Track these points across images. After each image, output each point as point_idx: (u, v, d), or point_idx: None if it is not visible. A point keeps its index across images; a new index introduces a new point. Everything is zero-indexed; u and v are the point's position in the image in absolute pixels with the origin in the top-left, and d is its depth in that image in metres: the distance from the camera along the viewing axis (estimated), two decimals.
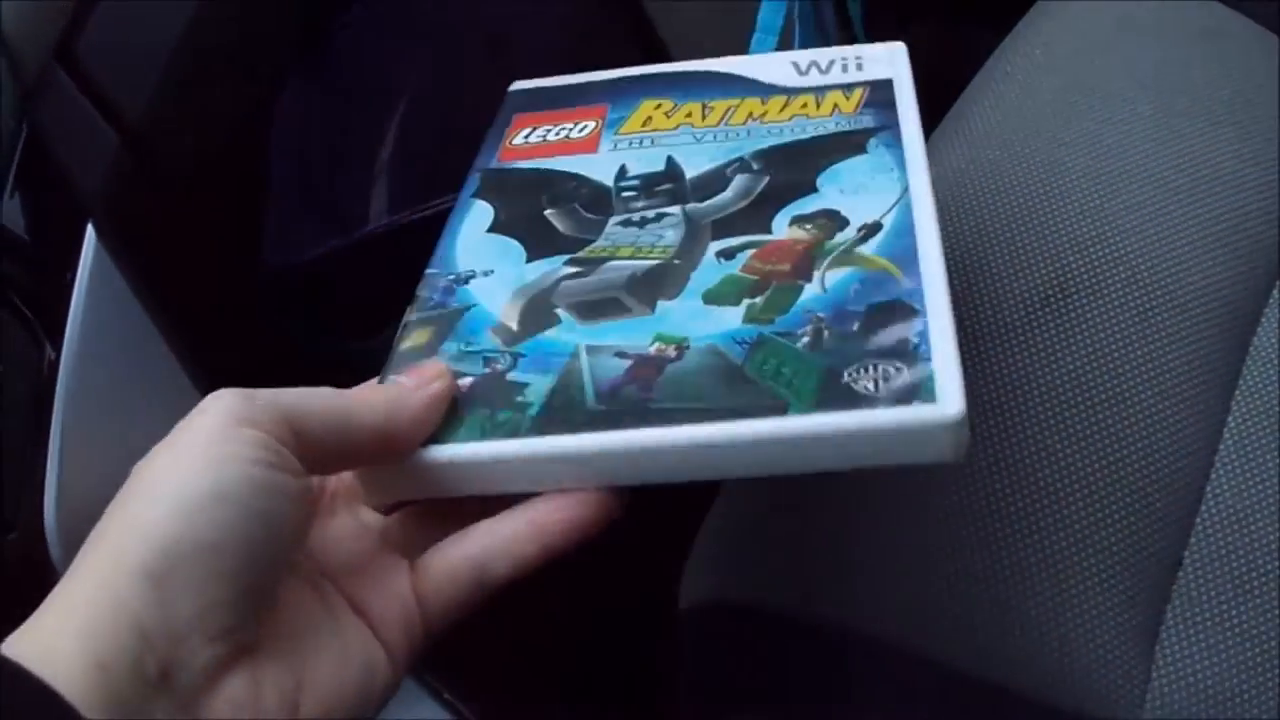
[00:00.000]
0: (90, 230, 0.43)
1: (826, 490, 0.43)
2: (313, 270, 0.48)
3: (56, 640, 0.25)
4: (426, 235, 0.38)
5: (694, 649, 0.45)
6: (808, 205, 0.37)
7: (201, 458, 0.27)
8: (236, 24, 0.46)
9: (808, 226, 0.36)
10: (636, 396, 0.31)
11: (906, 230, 0.34)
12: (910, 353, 0.30)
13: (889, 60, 0.43)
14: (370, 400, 0.31)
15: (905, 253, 0.34)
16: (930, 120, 0.54)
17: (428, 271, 0.37)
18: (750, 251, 0.35)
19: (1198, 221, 0.48)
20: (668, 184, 0.39)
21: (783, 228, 0.36)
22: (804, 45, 0.49)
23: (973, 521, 0.42)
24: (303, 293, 0.49)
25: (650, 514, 0.61)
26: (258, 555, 0.27)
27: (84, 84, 0.44)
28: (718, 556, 0.45)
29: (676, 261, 0.35)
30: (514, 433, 0.31)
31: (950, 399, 0.29)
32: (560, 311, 0.34)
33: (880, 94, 0.41)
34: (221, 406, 0.28)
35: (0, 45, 0.42)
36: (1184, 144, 0.50)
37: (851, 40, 0.59)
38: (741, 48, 0.62)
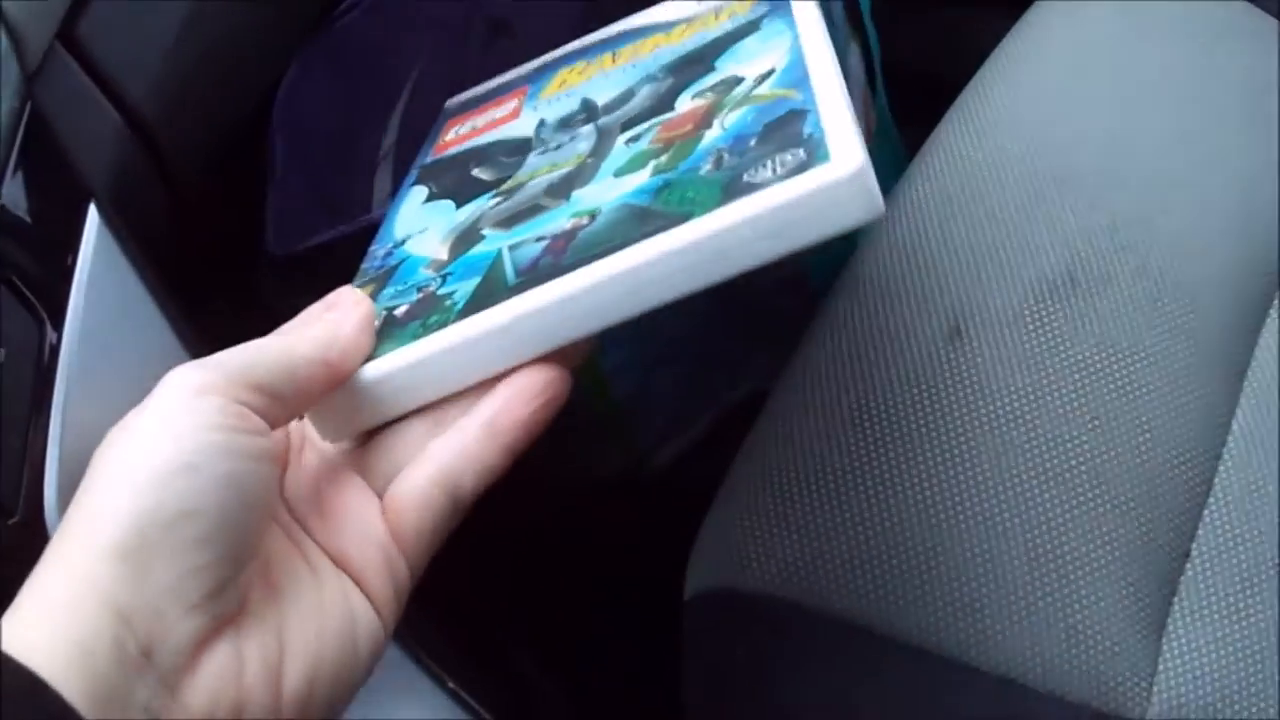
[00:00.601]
0: (93, 212, 0.43)
1: (833, 478, 0.43)
2: (315, 256, 0.48)
3: (36, 628, 0.25)
4: None
5: (698, 638, 0.44)
6: (707, 80, 0.37)
7: (163, 433, 0.27)
8: (243, 7, 0.46)
9: (707, 94, 0.36)
10: (552, 263, 0.31)
11: (799, 63, 0.34)
12: (804, 139, 0.30)
13: None
14: (306, 333, 0.31)
15: (799, 78, 0.33)
16: (939, 104, 0.54)
17: (369, 250, 0.38)
18: (656, 129, 0.35)
19: (1207, 213, 0.48)
20: (582, 115, 0.40)
21: (685, 103, 0.36)
22: None
23: (980, 510, 0.42)
24: (305, 278, 0.49)
25: (655, 504, 0.61)
26: (231, 521, 0.27)
27: (88, 65, 0.44)
28: (723, 546, 0.44)
29: (589, 159, 0.36)
30: (442, 328, 0.31)
31: (845, 155, 0.28)
32: (485, 231, 0.35)
33: None
34: (176, 381, 0.28)
35: (2, 24, 0.41)
36: (1194, 137, 0.50)
37: (860, 30, 0.58)
38: None
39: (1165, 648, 0.41)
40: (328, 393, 0.31)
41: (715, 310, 0.51)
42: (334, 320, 0.31)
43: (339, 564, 0.30)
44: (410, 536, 0.31)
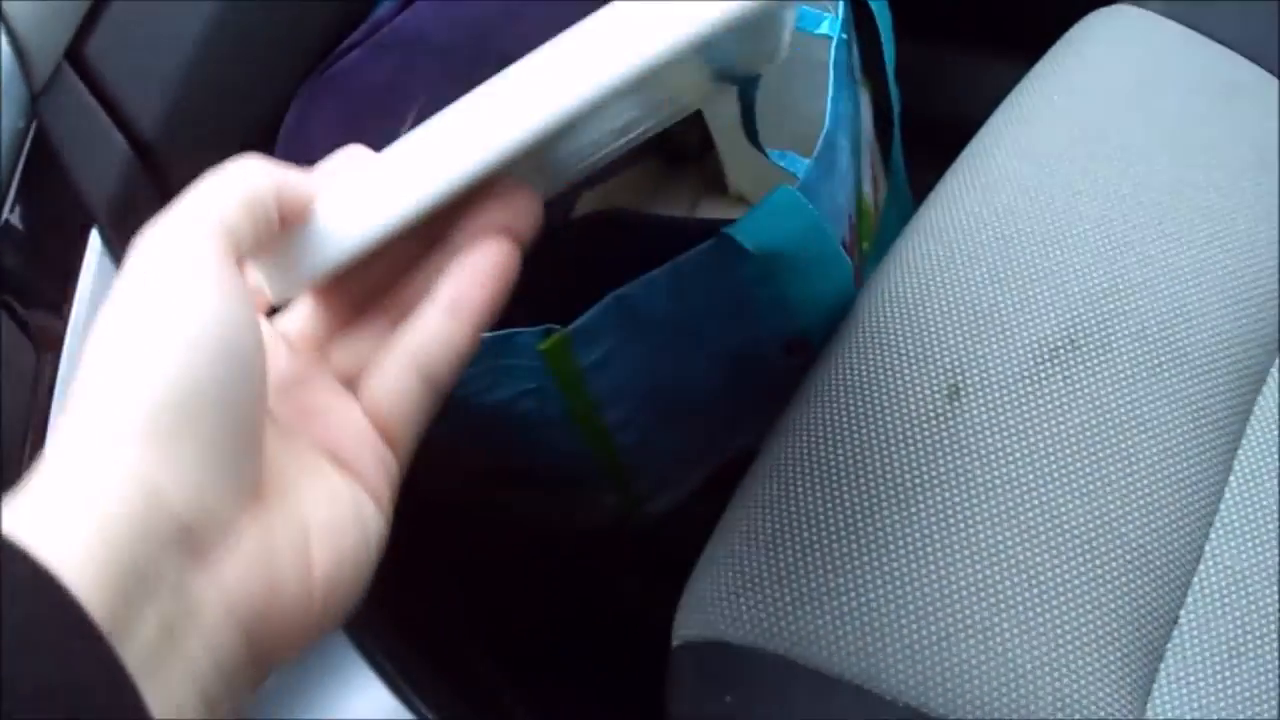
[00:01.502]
0: (95, 236, 0.42)
1: (826, 534, 0.43)
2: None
3: (48, 513, 0.23)
4: None
5: (684, 688, 0.44)
6: None
7: (173, 306, 0.26)
8: (250, 36, 0.45)
9: None
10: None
11: None
12: None
13: None
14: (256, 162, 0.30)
15: None
16: (944, 155, 0.54)
17: None
18: None
19: (1209, 278, 0.48)
20: None
21: None
22: (837, 90, 0.49)
23: (974, 572, 0.42)
24: None
25: (646, 550, 0.61)
26: (247, 392, 0.26)
27: (94, 88, 0.43)
28: (712, 597, 0.44)
29: None
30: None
31: None
32: None
33: None
34: (185, 246, 0.26)
35: (11, 43, 0.41)
36: (1199, 198, 0.50)
37: (875, 81, 0.58)
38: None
39: (1150, 712, 0.41)
40: (283, 233, 0.30)
41: (720, 371, 0.51)
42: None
43: (334, 459, 0.29)
44: (395, 429, 0.30)
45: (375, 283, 0.32)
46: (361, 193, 0.30)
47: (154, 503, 0.24)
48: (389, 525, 0.30)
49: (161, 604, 0.24)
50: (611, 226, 0.41)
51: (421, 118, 0.54)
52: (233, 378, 0.26)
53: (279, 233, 0.29)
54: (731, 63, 0.38)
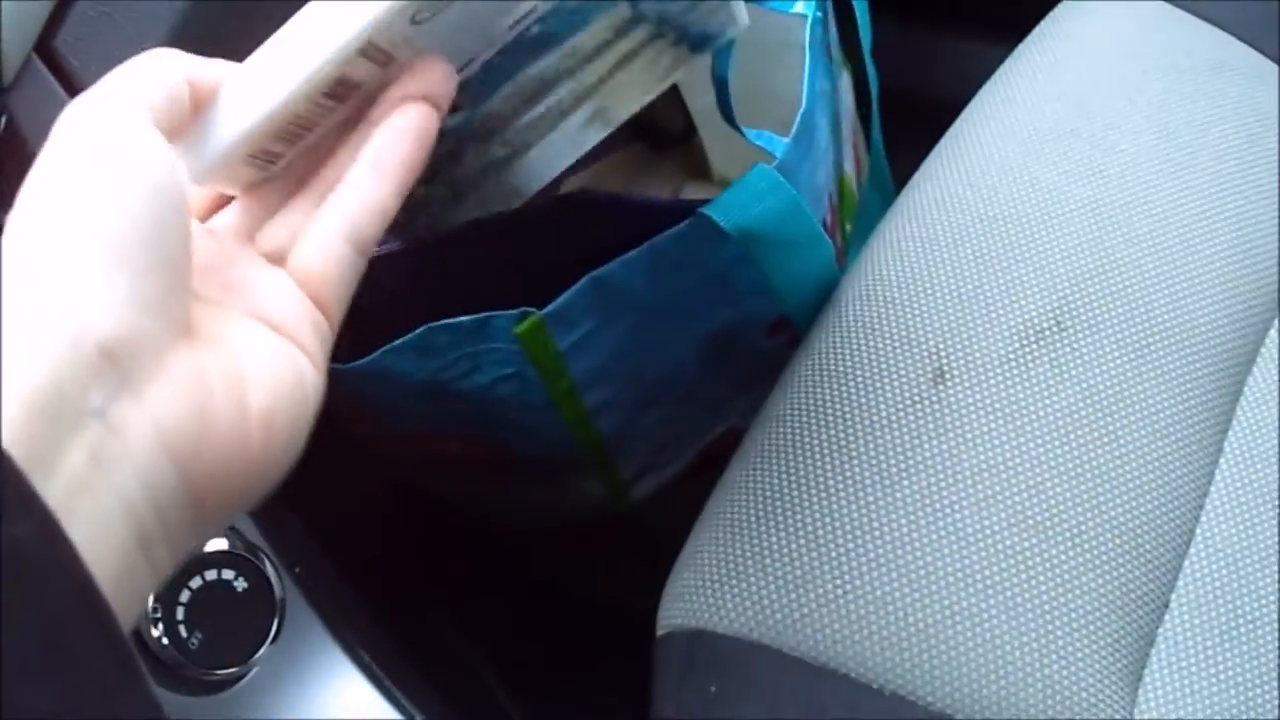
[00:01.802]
0: None
1: (810, 520, 0.43)
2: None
3: None
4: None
5: (668, 676, 0.44)
6: None
7: (111, 151, 0.27)
8: (218, 31, 0.45)
9: None
10: None
11: None
12: None
13: None
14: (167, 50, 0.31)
15: None
16: (928, 136, 0.53)
17: None
18: None
19: (1198, 257, 0.48)
20: None
21: None
22: (813, 68, 0.48)
23: (961, 558, 0.41)
24: None
25: (631, 535, 0.60)
26: (170, 238, 0.27)
27: (64, 80, 0.43)
28: (696, 585, 0.44)
29: None
30: None
31: None
32: None
33: None
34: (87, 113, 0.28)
35: None
36: (1186, 177, 0.49)
37: (855, 61, 0.58)
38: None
39: (1141, 699, 0.40)
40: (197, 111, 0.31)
41: (703, 353, 0.50)
42: None
43: (265, 323, 0.30)
44: (324, 291, 0.31)
45: (302, 175, 0.33)
46: (261, 67, 0.31)
47: (82, 335, 0.24)
48: (324, 382, 0.31)
49: (89, 433, 0.24)
50: (587, 208, 0.40)
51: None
52: (162, 219, 0.26)
53: (191, 116, 0.31)
54: None
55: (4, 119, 0.42)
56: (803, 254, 0.47)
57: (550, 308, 0.44)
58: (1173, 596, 0.42)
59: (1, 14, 0.41)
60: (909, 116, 0.59)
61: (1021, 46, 0.54)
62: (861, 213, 0.58)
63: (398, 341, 0.44)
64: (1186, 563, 0.43)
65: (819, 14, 0.49)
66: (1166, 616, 0.42)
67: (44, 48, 0.43)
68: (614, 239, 0.42)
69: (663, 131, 0.70)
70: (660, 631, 0.44)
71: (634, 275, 0.44)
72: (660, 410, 0.52)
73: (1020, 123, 0.51)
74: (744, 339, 0.50)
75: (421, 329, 0.45)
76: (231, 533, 0.46)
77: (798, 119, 0.47)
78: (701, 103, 0.67)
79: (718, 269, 0.46)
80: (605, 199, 0.42)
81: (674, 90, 0.68)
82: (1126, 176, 0.48)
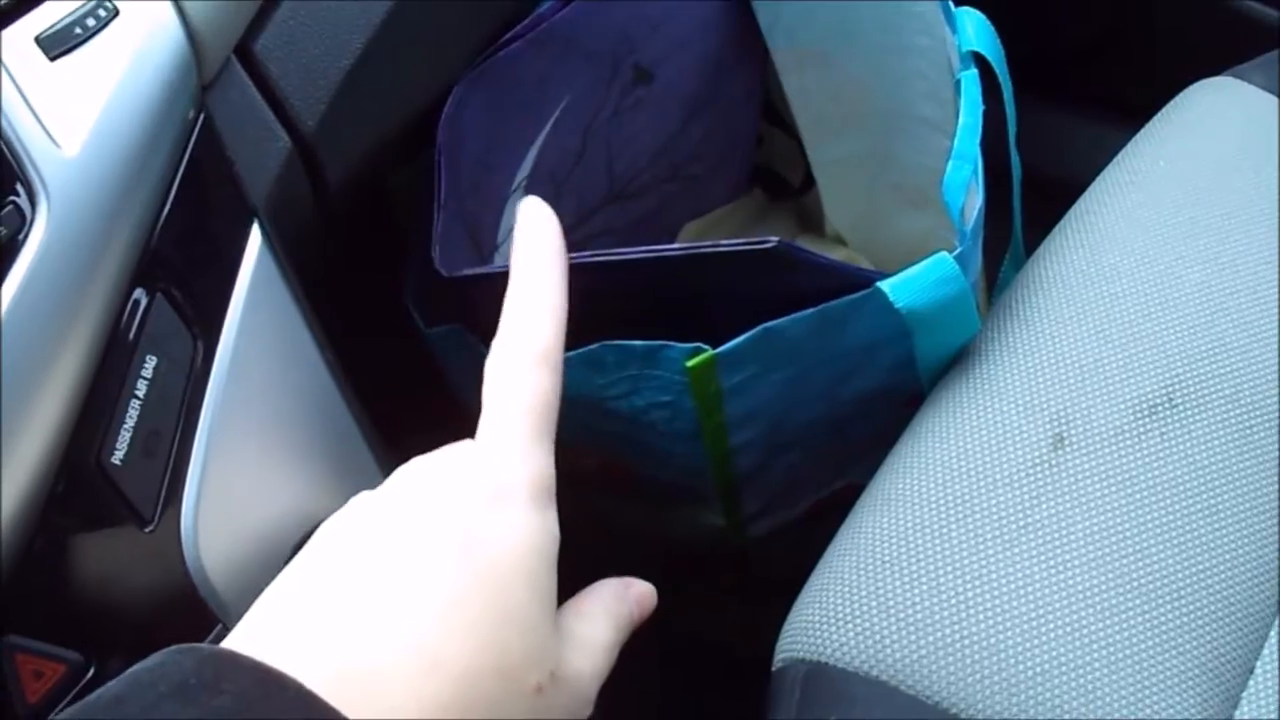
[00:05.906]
0: (255, 230, 0.43)
1: (931, 567, 0.45)
2: (471, 282, 0.47)
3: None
4: None
5: (783, 708, 0.46)
6: None
7: None
8: (418, 36, 0.46)
9: None
10: None
11: None
12: None
13: None
14: None
15: None
16: (1052, 212, 0.56)
17: None
18: None
19: None
20: None
21: None
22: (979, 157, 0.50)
23: (1069, 614, 0.44)
24: (460, 303, 0.49)
25: (747, 569, 0.62)
26: None
27: (260, 84, 0.44)
28: (817, 618, 0.46)
29: None
30: None
31: None
32: None
33: None
34: None
35: (187, 35, 0.42)
36: None
37: (1004, 140, 0.59)
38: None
39: None
40: None
41: (841, 412, 0.53)
42: None
43: None
44: None
45: None
46: None
47: None
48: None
49: None
50: (782, 260, 0.42)
51: (559, 122, 0.55)
52: None
53: None
54: None
55: (201, 117, 0.43)
56: (953, 337, 0.49)
57: (723, 349, 0.46)
58: (1257, 663, 0.45)
59: (204, 14, 0.42)
60: (1032, 193, 0.61)
61: (1143, 131, 0.57)
62: (998, 291, 0.60)
63: (570, 353, 0.45)
64: (1272, 633, 0.46)
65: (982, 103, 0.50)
66: (1250, 681, 0.45)
67: (243, 50, 0.44)
68: (783, 290, 0.44)
69: (782, 181, 0.72)
70: (778, 664, 0.46)
71: (802, 332, 0.46)
72: (792, 456, 0.54)
73: (1142, 205, 0.53)
74: (881, 406, 0.52)
75: (595, 345, 0.46)
76: None
77: (975, 212, 0.49)
78: (822, 156, 0.68)
79: (874, 339, 0.48)
80: (801, 255, 0.43)
81: (797, 142, 0.69)
82: (1238, 264, 0.51)
